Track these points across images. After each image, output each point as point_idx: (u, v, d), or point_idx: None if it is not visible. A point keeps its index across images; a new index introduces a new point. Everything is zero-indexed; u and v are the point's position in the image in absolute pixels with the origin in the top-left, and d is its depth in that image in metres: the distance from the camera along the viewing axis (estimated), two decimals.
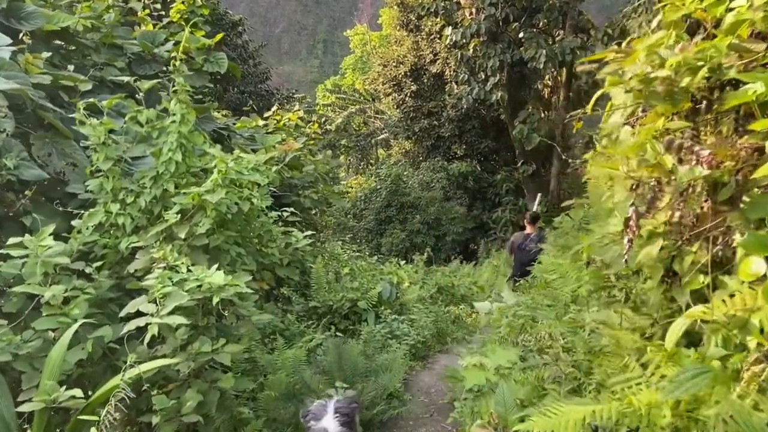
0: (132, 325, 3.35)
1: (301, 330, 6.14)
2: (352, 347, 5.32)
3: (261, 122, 9.06)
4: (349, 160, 37.25)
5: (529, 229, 8.93)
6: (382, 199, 22.47)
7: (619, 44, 2.94)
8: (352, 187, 33.91)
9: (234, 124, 8.46)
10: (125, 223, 4.26)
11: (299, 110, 9.85)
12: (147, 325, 3.33)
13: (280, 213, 5.60)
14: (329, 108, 37.26)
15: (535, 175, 20.54)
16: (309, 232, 5.78)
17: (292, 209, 6.13)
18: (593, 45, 17.84)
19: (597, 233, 3.18)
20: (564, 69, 19.15)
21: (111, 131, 4.43)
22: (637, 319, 2.74)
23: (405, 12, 24.92)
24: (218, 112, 9.21)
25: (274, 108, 9.74)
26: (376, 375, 5.11)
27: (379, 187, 23.25)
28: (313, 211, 9.42)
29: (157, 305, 3.35)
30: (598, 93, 2.91)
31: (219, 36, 7.27)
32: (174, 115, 4.44)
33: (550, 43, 18.94)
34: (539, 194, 18.56)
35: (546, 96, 21.53)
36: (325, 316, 6.98)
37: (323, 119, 35.55)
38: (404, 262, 20.64)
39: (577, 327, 3.42)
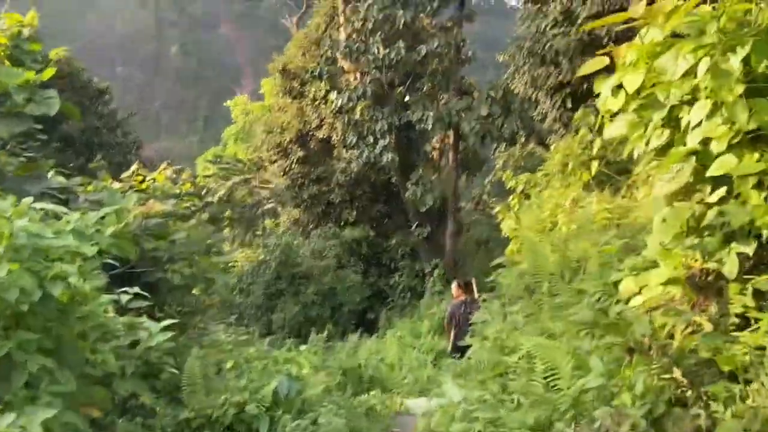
0: None
1: None
2: None
3: (117, 184, 7.23)
4: (234, 232, 34.90)
5: (463, 296, 8.58)
6: (272, 271, 20.56)
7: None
8: (237, 261, 31.57)
9: (82, 186, 6.63)
10: None
11: (167, 169, 8.11)
12: None
13: (118, 297, 3.85)
14: (210, 179, 35.02)
15: (430, 238, 19.75)
16: (167, 322, 4.06)
17: (139, 291, 4.31)
18: (478, 106, 17.71)
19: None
20: (451, 131, 18.85)
21: None
22: None
23: (288, 79, 23.99)
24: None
25: (134, 166, 7.91)
26: None
27: (267, 258, 21.35)
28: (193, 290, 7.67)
29: None
30: None
31: (50, 71, 5.53)
32: None
33: (436, 105, 18.68)
34: (473, 278, 17.65)
35: (435, 158, 21.17)
36: (201, 430, 5.14)
37: (204, 191, 33.29)
38: (299, 340, 18.81)
39: None
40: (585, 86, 12.41)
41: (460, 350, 7.58)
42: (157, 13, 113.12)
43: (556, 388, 2.91)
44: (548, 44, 11.60)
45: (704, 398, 2.45)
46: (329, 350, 15.14)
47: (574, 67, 11.95)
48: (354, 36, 19.00)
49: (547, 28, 12.35)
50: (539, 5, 13.46)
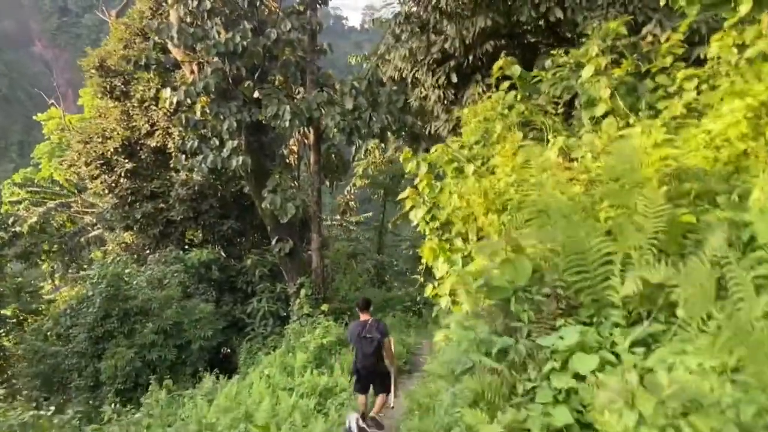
0: None
1: None
2: None
3: None
4: (53, 267, 28.79)
5: (363, 316, 7.47)
6: (97, 308, 16.09)
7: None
8: (55, 300, 25.73)
9: None
10: None
11: None
12: None
13: None
14: (19, 206, 28.61)
15: (293, 253, 16.71)
16: None
17: None
18: (341, 99, 15.20)
19: None
20: (312, 129, 16.10)
21: None
22: None
23: (107, 77, 19.61)
24: None
25: None
26: None
27: (90, 293, 16.78)
28: None
29: None
30: None
31: None
32: None
33: (293, 100, 15.87)
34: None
35: (293, 163, 18.26)
36: None
37: (11, 219, 26.98)
38: (133, 394, 14.67)
39: None
40: (471, 58, 10.42)
41: (358, 373, 7.27)
42: None
43: None
44: (432, 3, 9.48)
45: None
46: (171, 406, 11.46)
47: (462, 34, 9.89)
48: (188, 19, 15.53)
49: None
50: None
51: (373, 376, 7.15)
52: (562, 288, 2.68)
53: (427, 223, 6.43)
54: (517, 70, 6.80)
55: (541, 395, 2.37)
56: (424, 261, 6.41)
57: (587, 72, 6.21)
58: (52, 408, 12.59)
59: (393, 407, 7.38)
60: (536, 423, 2.23)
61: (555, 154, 4.05)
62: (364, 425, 7.05)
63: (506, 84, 6.83)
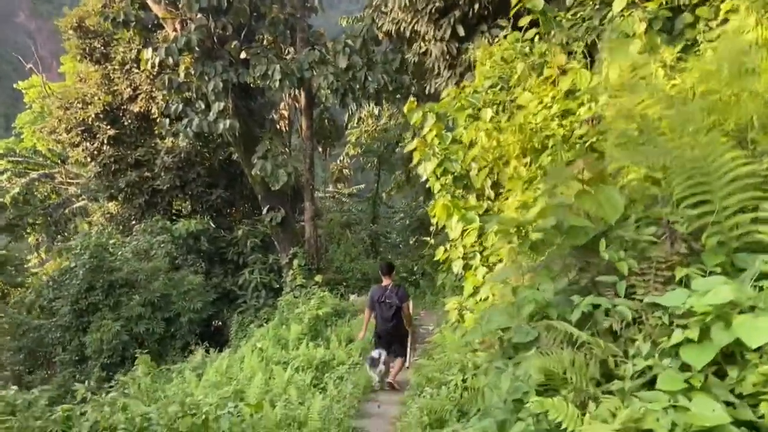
0: None
1: None
2: None
3: None
4: (38, 240, 27.75)
5: (386, 281, 7.46)
6: (81, 280, 15.21)
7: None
8: (46, 274, 24.81)
9: None
10: None
11: None
12: None
13: None
14: (1, 177, 27.37)
15: (285, 223, 15.84)
16: None
17: None
18: (334, 58, 14.19)
19: None
20: (303, 91, 15.10)
21: None
22: None
23: (86, 38, 18.38)
24: None
25: None
26: None
27: (73, 265, 15.88)
28: None
29: None
30: None
31: None
32: None
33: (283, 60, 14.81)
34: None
35: (283, 128, 17.26)
36: None
37: None
38: (122, 369, 13.88)
39: None
40: (477, 6, 9.48)
41: (379, 337, 7.33)
42: None
43: None
44: None
45: None
46: (159, 381, 10.72)
47: None
48: None
49: None
50: None
51: (392, 338, 7.28)
52: (679, 224, 1.89)
53: (438, 177, 5.59)
54: (540, 2, 5.91)
55: (666, 380, 1.60)
56: (434, 221, 5.58)
57: (618, 5, 5.35)
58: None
59: (409, 367, 7.64)
60: (663, 422, 1.46)
61: (621, 71, 3.20)
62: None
63: (527, 19, 5.96)
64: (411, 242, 20.77)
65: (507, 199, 4.38)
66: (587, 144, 3.02)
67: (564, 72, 3.81)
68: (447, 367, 5.25)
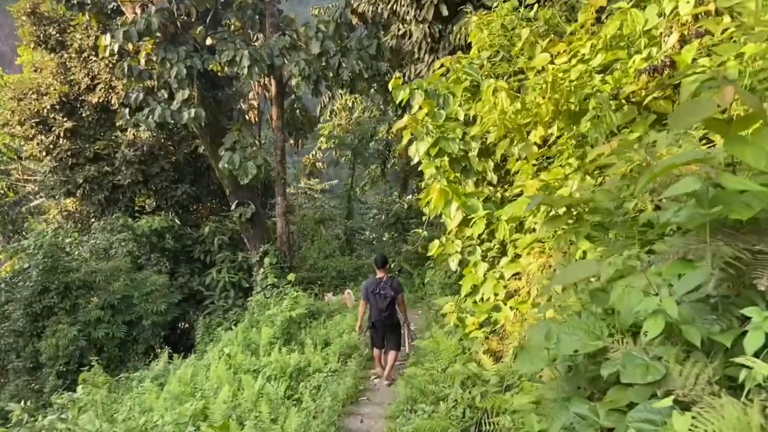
0: None
1: None
2: None
3: None
4: None
5: (380, 274, 7.49)
6: (34, 282, 14.02)
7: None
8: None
9: None
10: None
11: None
12: None
13: None
14: None
15: (255, 219, 14.91)
16: None
17: None
18: (306, 44, 13.32)
19: None
20: (273, 79, 14.17)
21: None
22: None
23: (41, 25, 17.08)
24: None
25: None
26: None
27: (27, 266, 14.65)
28: None
29: None
30: None
31: None
32: None
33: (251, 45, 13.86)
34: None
35: (252, 119, 16.28)
36: None
37: None
38: (77, 375, 12.77)
39: None
40: None
41: (374, 326, 7.41)
42: None
43: None
44: None
45: None
46: (118, 390, 9.76)
47: None
48: None
49: None
50: None
51: (387, 329, 7.35)
52: None
53: (432, 159, 4.81)
54: None
55: None
56: (428, 210, 4.80)
57: None
58: None
59: (408, 352, 8.07)
60: None
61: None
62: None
63: None
64: (386, 239, 20.01)
65: (519, 179, 3.62)
66: (646, 101, 2.32)
67: (599, 19, 3.08)
68: (444, 379, 4.50)
